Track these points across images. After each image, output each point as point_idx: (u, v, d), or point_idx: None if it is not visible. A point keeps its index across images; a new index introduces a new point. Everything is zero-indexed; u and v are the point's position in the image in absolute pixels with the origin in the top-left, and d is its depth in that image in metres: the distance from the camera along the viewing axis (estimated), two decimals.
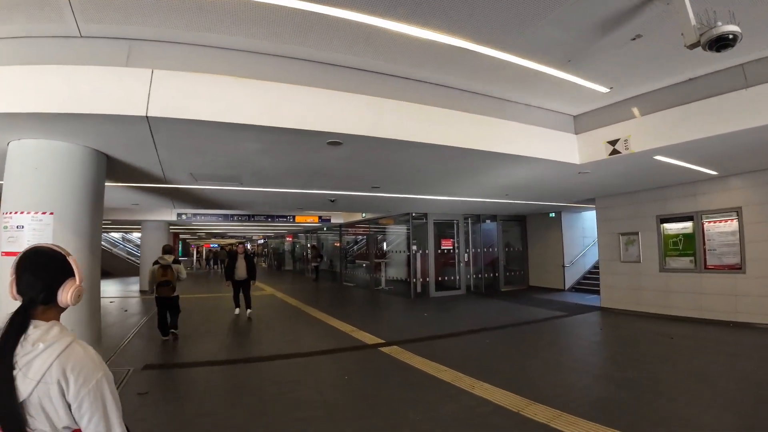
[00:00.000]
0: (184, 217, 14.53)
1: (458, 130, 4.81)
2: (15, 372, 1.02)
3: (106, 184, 4.96)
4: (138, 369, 5.08)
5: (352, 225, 16.98)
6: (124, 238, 27.05)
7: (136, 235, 27.44)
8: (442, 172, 6.39)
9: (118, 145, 4.46)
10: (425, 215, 12.28)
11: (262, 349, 6.37)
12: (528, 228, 14.04)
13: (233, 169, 6.14)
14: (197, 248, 40.40)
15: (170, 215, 14.37)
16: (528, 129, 5.36)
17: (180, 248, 33.51)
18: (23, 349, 1.05)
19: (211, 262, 30.72)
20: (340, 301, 12.02)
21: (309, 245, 21.36)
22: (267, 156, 5.38)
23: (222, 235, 32.80)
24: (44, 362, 1.04)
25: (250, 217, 14.79)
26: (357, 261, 17.78)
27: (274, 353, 5.94)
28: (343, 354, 5.97)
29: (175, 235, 24.81)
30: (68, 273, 1.20)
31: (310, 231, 21.65)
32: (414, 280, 12.02)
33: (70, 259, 1.22)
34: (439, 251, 12.59)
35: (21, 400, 1.01)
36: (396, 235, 15.04)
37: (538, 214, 13.26)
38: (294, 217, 15.16)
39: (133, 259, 24.01)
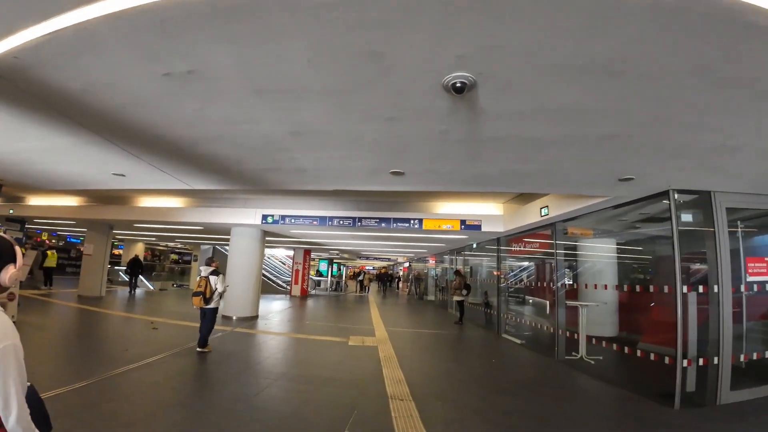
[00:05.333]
0: (270, 219, 10.45)
1: None
2: None
3: None
4: None
5: (523, 237, 10.28)
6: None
7: (276, 253, 26.53)
8: None
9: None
10: (709, 197, 5.16)
11: None
12: None
13: None
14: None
15: (254, 218, 10.54)
16: None
17: (326, 269, 31.71)
18: None
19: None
20: (497, 402, 5.56)
21: (454, 270, 15.00)
22: None
23: (324, 250, 29.36)
24: None
25: (355, 222, 9.77)
26: (529, 298, 10.83)
27: None
28: None
29: (306, 252, 21.95)
30: (10, 258, 1.44)
31: (458, 249, 15.66)
32: (683, 357, 4.86)
33: (17, 248, 1.47)
34: (747, 286, 5.22)
35: None
36: (621, 246, 7.99)
37: None
38: (421, 222, 9.55)
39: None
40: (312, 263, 27.87)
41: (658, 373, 5.23)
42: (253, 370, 5.82)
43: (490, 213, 9.52)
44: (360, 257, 31.63)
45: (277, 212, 10.50)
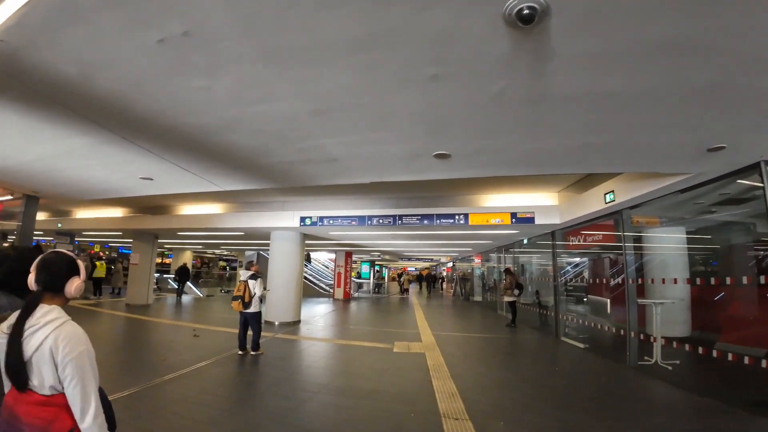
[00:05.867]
0: (308, 221, 10.11)
1: None
2: (23, 338, 1.38)
3: None
4: None
5: (581, 229, 9.31)
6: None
7: (318, 256, 26.55)
8: None
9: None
10: None
11: None
12: None
13: None
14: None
15: (292, 221, 10.24)
16: None
17: (369, 271, 31.50)
18: (29, 322, 1.41)
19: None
20: (568, 421, 4.68)
21: (504, 269, 14.03)
22: None
23: (361, 251, 28.80)
24: (43, 333, 1.39)
25: (395, 220, 9.20)
26: (591, 297, 9.75)
27: None
28: None
29: (348, 255, 21.68)
30: (75, 272, 1.57)
31: (506, 246, 14.69)
32: None
33: (79, 262, 1.60)
34: None
35: (25, 359, 1.38)
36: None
37: None
38: (466, 217, 8.82)
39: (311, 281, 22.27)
40: (354, 266, 27.68)
41: (748, 377, 4.29)
42: (291, 380, 5.38)
43: (543, 204, 8.63)
44: (402, 258, 31.01)
45: (315, 214, 10.14)
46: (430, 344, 8.10)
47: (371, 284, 27.73)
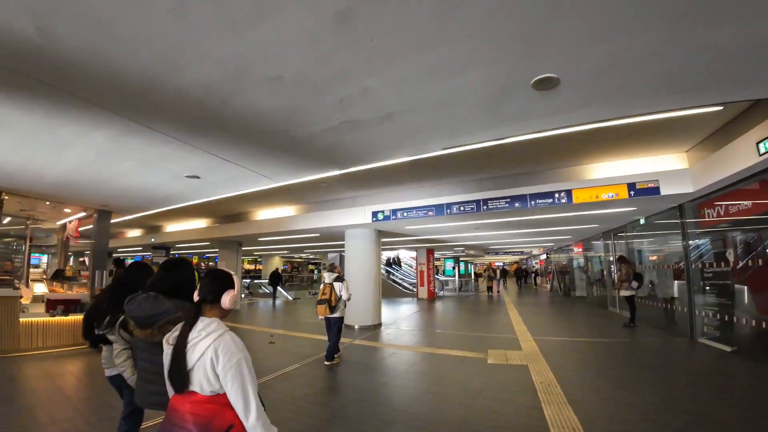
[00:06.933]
0: (381, 216, 9.21)
1: None
2: (186, 349, 1.56)
3: None
4: None
5: (718, 199, 7.06)
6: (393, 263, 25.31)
7: (400, 255, 25.82)
8: None
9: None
10: None
11: None
12: None
13: None
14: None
15: (364, 216, 9.43)
16: None
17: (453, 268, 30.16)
18: (192, 334, 1.59)
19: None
20: None
21: (617, 257, 11.68)
22: None
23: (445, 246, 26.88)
24: (204, 344, 1.55)
25: (479, 206, 7.84)
26: (740, 286, 7.33)
27: None
28: None
29: (429, 252, 20.52)
30: (230, 286, 1.74)
31: (615, 230, 12.36)
32: None
33: (235, 277, 1.78)
34: None
35: (188, 369, 1.54)
36: None
37: None
38: (569, 194, 7.16)
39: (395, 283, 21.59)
40: (437, 263, 26.43)
41: None
42: (363, 404, 4.41)
43: (669, 168, 6.65)
44: (488, 253, 28.90)
45: (387, 207, 9.19)
46: (533, 353, 6.64)
47: (456, 282, 26.10)
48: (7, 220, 9.30)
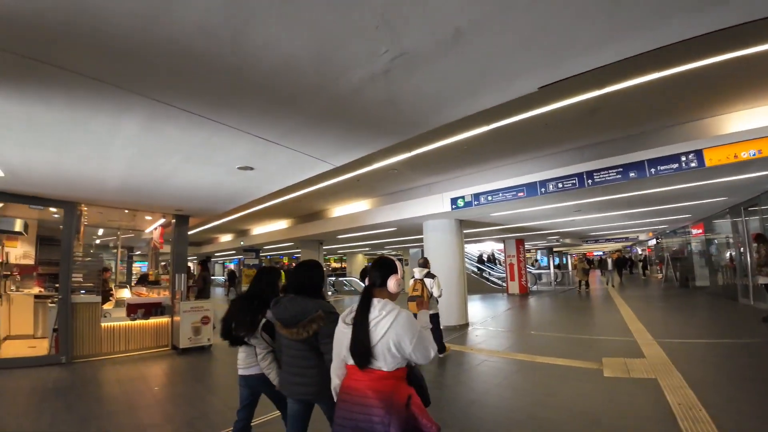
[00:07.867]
0: (461, 203, 8.21)
1: None
2: (370, 327, 1.69)
3: None
4: None
5: None
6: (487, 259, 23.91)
7: (485, 248, 24.20)
8: None
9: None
10: None
11: None
12: None
13: None
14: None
15: (441, 204, 8.51)
16: None
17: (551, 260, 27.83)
18: (372, 314, 1.74)
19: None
20: None
21: (754, 236, 9.13)
22: None
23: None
24: (386, 323, 1.69)
25: (582, 180, 6.42)
26: None
27: None
28: None
29: (519, 242, 18.68)
30: (394, 271, 1.87)
31: (745, 205, 9.79)
32: None
33: (397, 263, 1.92)
34: None
35: (371, 345, 1.67)
36: None
37: None
38: (700, 155, 5.48)
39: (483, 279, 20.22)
40: (528, 255, 24.32)
41: None
42: None
43: None
44: (586, 241, 25.85)
45: (468, 191, 8.14)
46: (660, 361, 5.19)
47: (551, 274, 23.61)
48: (101, 231, 10.12)
